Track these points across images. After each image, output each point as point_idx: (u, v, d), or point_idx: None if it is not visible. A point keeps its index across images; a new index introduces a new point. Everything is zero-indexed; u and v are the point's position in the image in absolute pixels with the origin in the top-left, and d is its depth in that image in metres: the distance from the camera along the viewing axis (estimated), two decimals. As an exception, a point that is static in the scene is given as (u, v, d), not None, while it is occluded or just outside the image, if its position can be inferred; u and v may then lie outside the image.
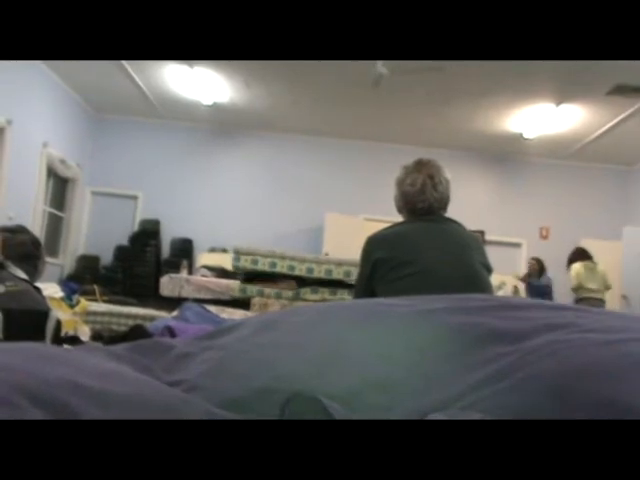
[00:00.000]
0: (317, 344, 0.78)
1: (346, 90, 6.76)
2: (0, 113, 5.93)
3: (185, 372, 0.81)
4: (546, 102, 6.56)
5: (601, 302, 6.14)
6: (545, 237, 8.56)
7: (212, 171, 8.54)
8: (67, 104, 7.55)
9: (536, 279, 6.77)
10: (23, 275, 1.68)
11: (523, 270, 7.51)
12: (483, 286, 1.70)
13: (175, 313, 2.82)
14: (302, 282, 3.83)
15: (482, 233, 8.03)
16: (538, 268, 6.80)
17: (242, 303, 3.83)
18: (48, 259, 3.65)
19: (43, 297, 1.69)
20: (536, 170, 8.64)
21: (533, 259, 6.98)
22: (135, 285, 7.53)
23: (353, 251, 2.72)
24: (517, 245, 8.48)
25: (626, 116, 6.67)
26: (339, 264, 3.77)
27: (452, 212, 1.87)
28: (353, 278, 3.55)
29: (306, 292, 3.79)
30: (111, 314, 3.11)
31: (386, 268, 1.73)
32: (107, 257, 8.06)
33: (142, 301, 4.79)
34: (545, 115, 6.85)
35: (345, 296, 3.68)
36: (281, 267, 3.79)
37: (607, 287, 6.32)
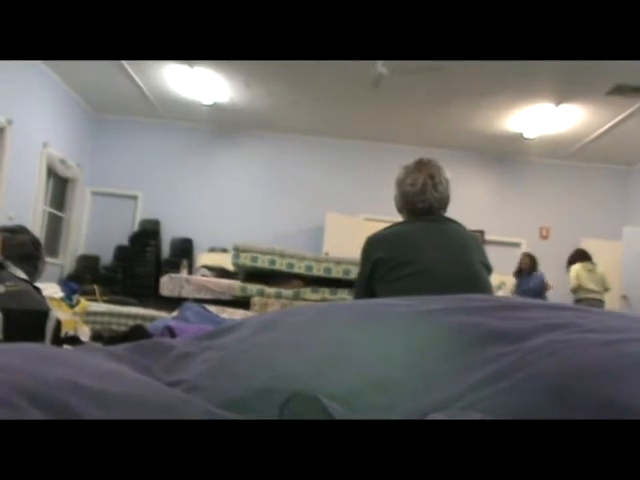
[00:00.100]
0: (317, 344, 0.78)
1: (346, 90, 6.76)
2: (0, 113, 5.93)
3: (185, 372, 0.80)
4: (546, 102, 6.56)
5: (600, 303, 6.14)
6: (545, 237, 8.55)
7: (212, 171, 8.54)
8: (67, 104, 7.55)
9: (527, 276, 6.46)
10: (23, 275, 1.68)
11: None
12: (483, 286, 1.70)
13: (175, 313, 2.81)
14: (304, 280, 3.83)
15: (482, 233, 8.04)
16: (530, 264, 6.50)
17: (242, 303, 3.82)
18: (48, 259, 3.66)
19: (43, 297, 1.69)
20: (536, 170, 8.64)
21: (526, 255, 6.69)
22: (135, 285, 7.54)
23: (353, 251, 2.72)
24: (517, 245, 8.46)
25: (626, 116, 6.67)
26: (338, 262, 3.77)
27: (452, 212, 1.87)
28: (352, 276, 3.55)
29: (306, 292, 3.79)
30: (111, 314, 3.10)
31: (386, 268, 1.73)
32: (107, 257, 8.07)
33: (142, 301, 4.78)
34: (545, 115, 6.86)
35: (345, 296, 3.68)
36: (280, 265, 3.79)
37: (606, 288, 6.31)
